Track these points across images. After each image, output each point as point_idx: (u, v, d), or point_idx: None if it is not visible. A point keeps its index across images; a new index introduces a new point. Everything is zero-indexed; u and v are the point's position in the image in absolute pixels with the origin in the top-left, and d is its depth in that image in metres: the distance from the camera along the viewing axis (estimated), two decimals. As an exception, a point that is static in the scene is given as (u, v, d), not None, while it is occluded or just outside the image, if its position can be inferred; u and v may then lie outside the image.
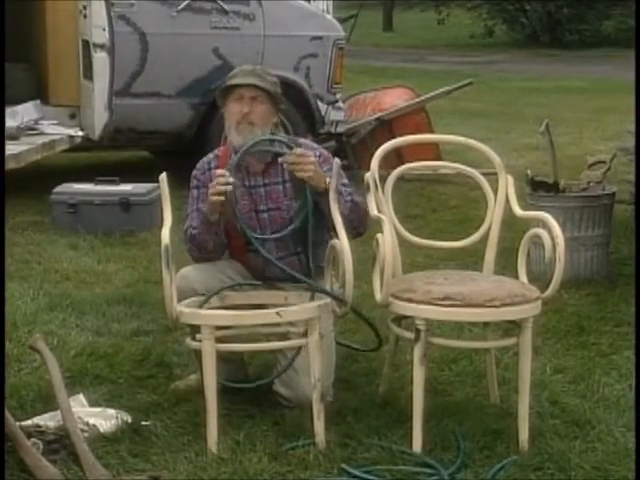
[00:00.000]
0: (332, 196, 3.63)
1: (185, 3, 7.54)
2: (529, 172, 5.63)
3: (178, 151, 7.74)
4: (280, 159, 3.72)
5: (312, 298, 3.65)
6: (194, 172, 3.94)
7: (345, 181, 3.85)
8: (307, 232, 3.74)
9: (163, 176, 3.64)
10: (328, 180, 3.65)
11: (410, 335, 3.55)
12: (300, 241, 3.79)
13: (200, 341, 3.49)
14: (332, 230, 3.65)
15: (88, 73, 7.44)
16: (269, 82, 3.83)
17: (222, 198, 3.63)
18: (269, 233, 3.82)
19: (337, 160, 3.73)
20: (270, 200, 3.83)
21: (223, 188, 3.61)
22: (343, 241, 3.52)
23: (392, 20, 29.50)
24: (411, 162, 4.14)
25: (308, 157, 3.67)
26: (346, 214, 3.67)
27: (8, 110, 7.08)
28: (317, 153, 3.84)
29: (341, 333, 4.38)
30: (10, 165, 6.59)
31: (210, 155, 3.95)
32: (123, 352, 4.35)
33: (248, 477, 3.28)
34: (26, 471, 3.22)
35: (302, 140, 3.97)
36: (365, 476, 3.29)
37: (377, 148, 3.86)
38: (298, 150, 3.69)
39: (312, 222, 3.72)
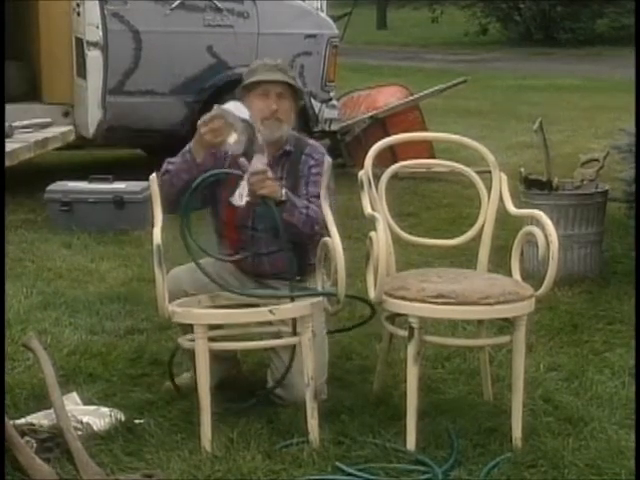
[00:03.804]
0: (323, 194, 3.63)
1: (178, 1, 7.54)
2: (523, 170, 5.64)
3: (172, 149, 7.73)
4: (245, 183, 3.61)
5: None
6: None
7: (319, 191, 3.72)
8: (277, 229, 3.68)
9: (153, 176, 3.63)
10: (284, 191, 3.62)
11: (404, 333, 3.56)
12: (273, 239, 3.75)
13: (193, 340, 3.49)
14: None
15: (81, 71, 7.43)
16: (292, 77, 3.81)
17: (216, 141, 3.57)
18: (262, 228, 3.80)
19: (328, 159, 3.73)
20: None
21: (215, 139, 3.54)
22: (335, 238, 3.52)
23: (386, 18, 29.54)
24: (405, 160, 4.14)
25: (264, 172, 3.58)
26: (299, 226, 3.66)
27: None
28: (315, 157, 3.81)
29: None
30: (3, 163, 6.58)
31: None
32: (117, 350, 4.34)
33: (242, 475, 3.29)
34: (20, 469, 3.22)
35: (311, 142, 3.94)
36: (359, 474, 3.29)
37: (371, 146, 3.86)
38: (252, 168, 3.58)
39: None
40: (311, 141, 3.96)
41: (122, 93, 7.46)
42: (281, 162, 3.82)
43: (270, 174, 3.61)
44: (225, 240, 3.90)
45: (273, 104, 3.75)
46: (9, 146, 6.87)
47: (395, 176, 3.97)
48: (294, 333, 3.57)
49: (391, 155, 5.61)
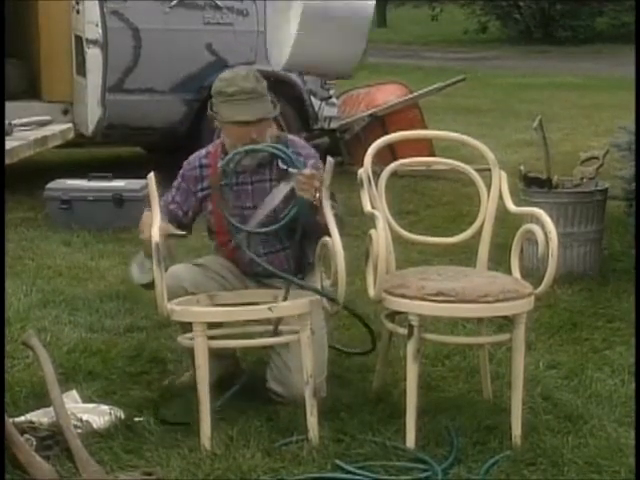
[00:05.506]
0: (324, 194, 3.63)
1: (178, -1, 7.55)
2: (522, 168, 5.64)
3: (171, 147, 7.74)
4: (293, 173, 3.64)
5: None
6: (185, 164, 3.94)
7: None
8: (294, 229, 3.71)
9: (151, 175, 3.62)
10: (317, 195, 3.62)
11: (403, 331, 3.56)
12: (287, 237, 3.77)
13: (192, 338, 3.50)
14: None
15: (81, 69, 7.43)
16: (265, 91, 3.77)
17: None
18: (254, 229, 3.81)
19: (330, 159, 3.73)
20: (257, 197, 3.82)
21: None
22: (335, 239, 3.51)
23: (386, 16, 29.49)
24: (404, 158, 4.14)
25: (315, 180, 3.60)
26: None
27: None
28: (303, 154, 3.81)
29: (335, 329, 4.38)
30: (2, 161, 6.57)
31: (202, 151, 3.94)
32: (116, 348, 4.35)
33: (241, 473, 3.29)
34: (19, 467, 3.22)
35: (290, 137, 3.95)
36: (359, 472, 3.30)
37: (370, 144, 3.86)
38: (307, 171, 3.60)
39: (301, 220, 3.68)
40: (290, 136, 3.94)
41: (121, 91, 7.46)
42: (268, 164, 3.81)
43: (317, 183, 3.58)
44: (220, 244, 3.92)
45: (252, 133, 3.74)
46: (9, 144, 6.81)
47: (395, 174, 3.97)
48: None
49: (390, 153, 5.61)
